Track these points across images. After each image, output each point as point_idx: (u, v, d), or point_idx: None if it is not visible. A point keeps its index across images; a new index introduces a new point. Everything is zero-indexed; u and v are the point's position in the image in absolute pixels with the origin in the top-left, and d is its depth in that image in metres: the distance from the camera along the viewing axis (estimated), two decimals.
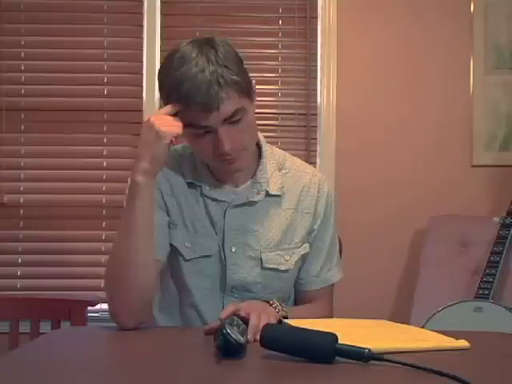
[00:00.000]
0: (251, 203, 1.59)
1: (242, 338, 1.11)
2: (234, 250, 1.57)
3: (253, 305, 1.41)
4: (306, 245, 1.64)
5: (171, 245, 1.57)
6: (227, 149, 1.45)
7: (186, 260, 1.57)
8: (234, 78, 1.43)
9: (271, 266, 1.59)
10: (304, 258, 1.66)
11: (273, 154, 1.66)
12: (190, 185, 1.58)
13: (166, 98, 1.47)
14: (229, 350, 1.10)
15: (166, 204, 1.57)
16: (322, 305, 1.69)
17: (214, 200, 1.58)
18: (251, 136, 1.53)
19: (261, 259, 1.58)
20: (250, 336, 1.24)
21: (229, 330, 1.09)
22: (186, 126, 1.44)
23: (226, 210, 1.57)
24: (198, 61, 1.41)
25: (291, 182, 1.64)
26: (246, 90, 1.47)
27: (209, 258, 1.57)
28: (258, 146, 1.63)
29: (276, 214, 1.61)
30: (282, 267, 1.60)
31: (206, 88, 1.39)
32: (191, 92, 1.40)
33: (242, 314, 1.32)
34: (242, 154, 1.50)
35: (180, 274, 1.59)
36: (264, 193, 1.59)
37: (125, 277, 1.43)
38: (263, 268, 1.58)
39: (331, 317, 1.70)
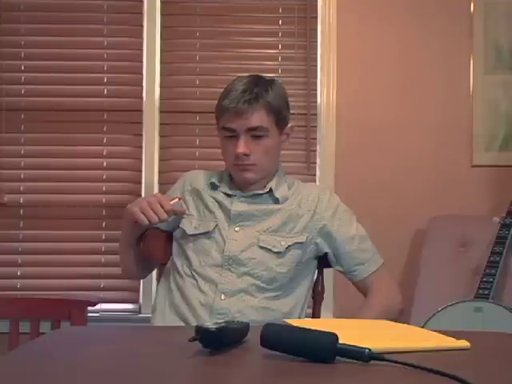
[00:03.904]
0: (256, 195, 1.83)
1: (213, 328, 1.13)
2: (236, 230, 1.80)
3: None
4: (304, 235, 1.80)
5: (182, 229, 1.85)
6: (240, 151, 1.73)
7: (189, 235, 1.82)
8: (270, 100, 1.75)
9: (266, 246, 1.78)
10: (337, 255, 1.82)
11: (288, 181, 1.90)
12: (212, 185, 1.87)
13: (216, 108, 1.80)
14: (203, 339, 1.12)
15: (185, 201, 1.87)
16: (379, 287, 1.82)
17: (227, 195, 1.84)
18: (264, 159, 1.79)
19: (258, 239, 1.78)
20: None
21: (202, 324, 1.14)
22: (221, 129, 1.78)
23: (234, 200, 1.83)
24: (248, 81, 1.78)
25: (296, 192, 1.87)
26: (277, 116, 1.78)
27: (210, 235, 1.80)
28: (276, 170, 1.89)
29: (278, 207, 1.82)
30: (275, 249, 1.77)
31: (242, 97, 1.72)
32: (231, 97, 1.73)
33: None
34: (252, 169, 1.78)
35: (184, 248, 1.83)
36: (268, 189, 1.83)
37: (123, 266, 1.97)
38: (259, 246, 1.77)
39: (396, 295, 1.85)
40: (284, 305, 1.78)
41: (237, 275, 1.75)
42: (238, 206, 1.82)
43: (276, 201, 1.83)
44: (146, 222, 1.71)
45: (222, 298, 1.72)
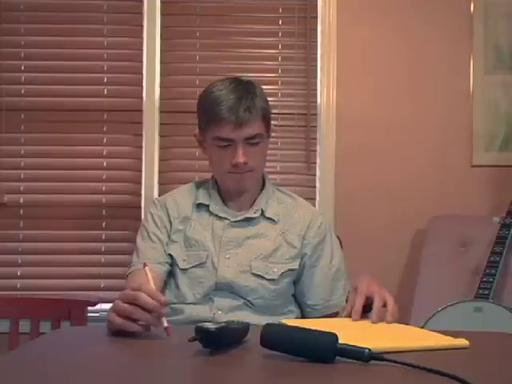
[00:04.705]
0: (248, 219, 1.78)
1: (213, 328, 1.14)
2: (227, 257, 1.74)
3: (370, 285, 1.51)
4: (296, 262, 1.77)
5: (170, 255, 1.77)
6: (241, 161, 1.69)
7: (181, 269, 1.75)
8: (262, 106, 1.73)
9: (258, 273, 1.73)
10: (309, 284, 1.78)
11: (275, 192, 1.86)
12: (200, 205, 1.80)
13: (204, 116, 1.76)
14: (203, 339, 1.14)
15: (171, 225, 1.79)
16: None
17: (218, 217, 1.78)
18: (260, 163, 1.78)
19: (250, 266, 1.73)
20: (375, 318, 1.41)
21: (202, 324, 1.16)
22: (214, 138, 1.72)
23: (226, 225, 1.77)
24: (234, 86, 1.72)
25: (286, 212, 1.82)
26: (267, 120, 1.76)
27: (203, 265, 1.74)
28: (263, 179, 1.85)
29: (269, 232, 1.78)
30: (268, 276, 1.73)
31: (239, 106, 1.68)
32: (227, 105, 1.69)
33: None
34: (249, 175, 1.75)
35: (175, 279, 1.76)
36: (259, 211, 1.79)
37: None
38: (252, 274, 1.73)
39: None
40: (283, 317, 1.75)
41: (231, 297, 1.72)
42: (229, 232, 1.76)
43: (267, 219, 1.79)
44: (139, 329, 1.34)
45: (219, 313, 1.70)
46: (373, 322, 1.41)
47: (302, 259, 1.78)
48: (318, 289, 1.78)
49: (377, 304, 1.44)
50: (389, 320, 1.41)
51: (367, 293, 1.48)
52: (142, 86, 3.10)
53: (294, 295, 1.82)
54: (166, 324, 1.28)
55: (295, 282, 1.80)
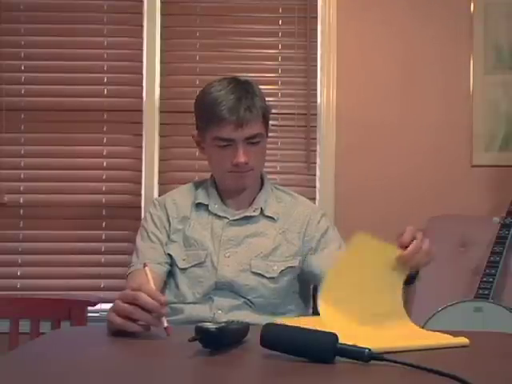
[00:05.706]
0: (247, 218, 1.79)
1: (213, 328, 1.14)
2: (227, 256, 1.75)
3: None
4: (296, 259, 1.77)
5: (170, 255, 1.78)
6: (242, 160, 1.70)
7: (181, 269, 1.75)
8: (262, 105, 1.74)
9: (258, 272, 1.73)
10: (318, 256, 1.77)
11: (274, 191, 1.87)
12: (199, 204, 1.81)
13: (204, 117, 1.75)
14: (203, 339, 1.14)
15: (170, 225, 1.79)
16: None
17: (217, 216, 1.79)
18: (260, 162, 1.79)
19: (250, 265, 1.74)
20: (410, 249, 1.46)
21: (202, 324, 1.16)
22: (214, 138, 1.72)
23: (225, 224, 1.78)
24: (234, 87, 1.72)
25: (285, 210, 1.83)
26: (266, 120, 1.77)
27: (202, 265, 1.74)
28: (261, 178, 1.86)
29: (269, 230, 1.79)
30: (268, 274, 1.74)
31: (240, 106, 1.68)
32: (227, 106, 1.69)
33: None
34: (249, 174, 1.76)
35: (175, 280, 1.77)
36: (259, 210, 1.79)
37: None
38: (251, 272, 1.73)
39: None
40: (283, 317, 1.75)
41: (231, 296, 1.72)
42: (228, 231, 1.77)
43: (267, 218, 1.80)
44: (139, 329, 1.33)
45: (219, 312, 1.70)
46: (403, 255, 1.45)
47: (303, 256, 1.78)
48: (329, 260, 1.67)
49: (415, 243, 1.49)
50: (425, 247, 1.52)
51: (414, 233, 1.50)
52: (142, 86, 3.10)
53: (299, 286, 1.81)
54: (165, 324, 1.28)
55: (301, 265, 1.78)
